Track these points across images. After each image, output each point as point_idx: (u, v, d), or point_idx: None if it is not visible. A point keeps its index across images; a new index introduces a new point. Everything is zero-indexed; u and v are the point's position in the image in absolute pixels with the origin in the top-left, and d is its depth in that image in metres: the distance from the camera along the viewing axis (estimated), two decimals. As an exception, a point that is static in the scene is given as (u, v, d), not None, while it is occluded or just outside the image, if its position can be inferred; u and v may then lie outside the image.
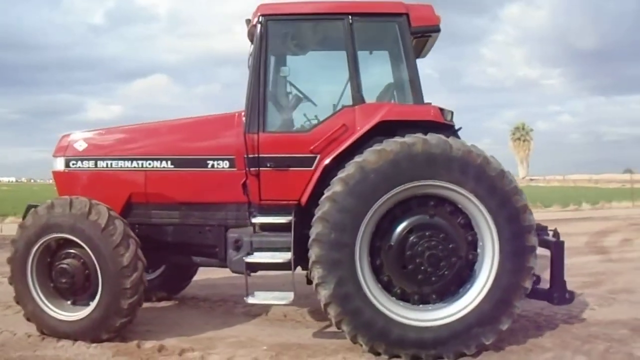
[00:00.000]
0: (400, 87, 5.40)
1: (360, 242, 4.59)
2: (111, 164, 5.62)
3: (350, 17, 5.09)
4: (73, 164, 5.68)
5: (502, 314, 4.56)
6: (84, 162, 5.66)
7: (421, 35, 5.26)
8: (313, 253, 4.61)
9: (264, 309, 6.41)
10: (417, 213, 4.75)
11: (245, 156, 5.13)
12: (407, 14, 5.09)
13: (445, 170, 4.54)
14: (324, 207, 4.60)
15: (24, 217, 5.66)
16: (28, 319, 5.13)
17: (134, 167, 5.58)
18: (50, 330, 5.04)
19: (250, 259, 4.91)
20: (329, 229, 4.56)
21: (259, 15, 5.14)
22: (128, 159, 5.60)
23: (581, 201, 24.25)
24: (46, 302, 5.07)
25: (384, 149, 4.57)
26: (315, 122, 5.29)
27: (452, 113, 5.01)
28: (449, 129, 4.97)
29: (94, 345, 4.90)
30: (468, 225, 4.79)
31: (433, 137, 4.59)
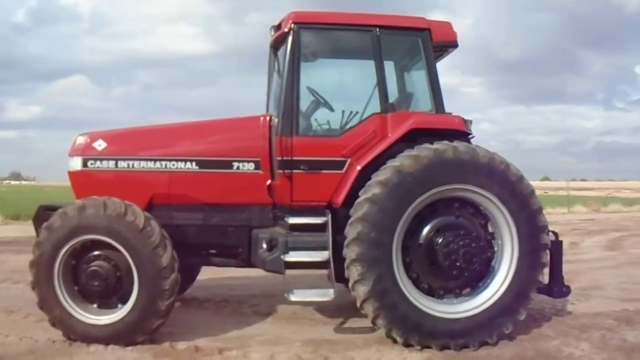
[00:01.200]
0: (420, 96, 5.75)
1: (397, 241, 4.91)
2: (133, 164, 5.54)
3: (377, 29, 5.41)
4: (91, 164, 5.54)
5: (520, 305, 5.04)
6: (103, 162, 5.54)
7: (440, 49, 5.66)
8: (352, 251, 4.85)
9: (271, 307, 6.56)
10: (443, 214, 5.13)
11: (279, 159, 5.29)
12: (429, 29, 5.48)
13: (473, 175, 4.96)
14: (363, 208, 4.86)
15: (35, 219, 5.47)
16: (53, 325, 4.94)
17: (157, 167, 5.55)
18: (79, 335, 4.90)
19: (289, 258, 5.06)
20: (369, 228, 4.83)
21: (292, 23, 5.32)
22: (151, 160, 5.55)
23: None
24: (74, 306, 4.93)
25: (419, 155, 4.91)
26: (345, 127, 5.53)
27: (471, 122, 5.46)
28: (464, 137, 5.41)
29: (129, 348, 4.84)
30: (485, 226, 5.26)
31: (461, 145, 5.00)
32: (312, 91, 5.71)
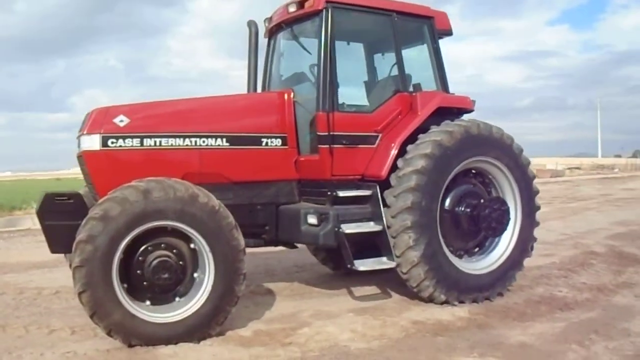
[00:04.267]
0: (424, 77, 6.27)
1: (438, 208, 5.44)
2: (160, 141, 4.90)
3: (395, 14, 5.78)
4: (112, 143, 4.71)
5: (523, 258, 6.02)
6: (127, 140, 4.77)
7: (438, 36, 6.29)
8: (406, 219, 5.20)
9: (275, 286, 6.49)
10: (463, 183, 5.82)
11: (320, 134, 5.30)
12: (434, 17, 6.07)
13: (490, 148, 5.73)
14: (412, 179, 5.23)
15: (41, 210, 4.49)
16: (109, 333, 4.15)
17: (187, 145, 5.01)
18: (145, 338, 4.22)
19: (349, 230, 5.14)
20: (420, 197, 5.24)
21: (326, 2, 5.38)
22: (180, 136, 4.98)
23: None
24: (135, 306, 4.23)
25: (454, 130, 5.49)
26: (375, 104, 5.77)
27: (474, 102, 6.24)
28: (460, 114, 6.16)
29: (207, 343, 4.38)
30: (489, 193, 6.07)
31: (480, 122, 5.74)
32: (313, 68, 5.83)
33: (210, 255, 4.38)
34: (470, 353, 4.19)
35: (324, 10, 5.38)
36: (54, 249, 4.78)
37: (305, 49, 5.89)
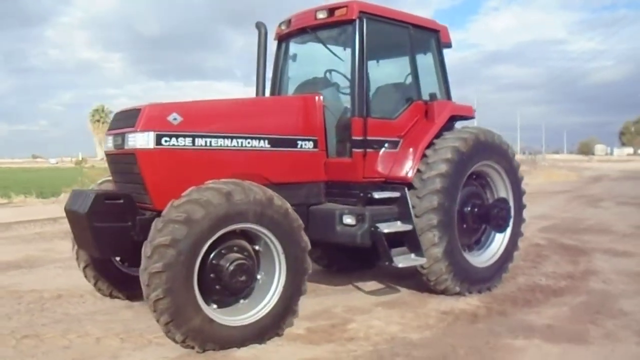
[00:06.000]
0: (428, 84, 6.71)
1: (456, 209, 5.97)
2: (210, 142, 4.83)
3: (411, 27, 6.21)
4: (166, 141, 4.56)
5: (514, 251, 6.77)
6: (179, 139, 4.64)
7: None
8: (433, 219, 5.65)
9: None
10: (467, 185, 6.39)
11: (355, 138, 5.57)
12: (439, 31, 6.59)
13: (493, 153, 6.36)
14: (436, 183, 5.69)
15: (90, 213, 4.30)
16: (184, 340, 4.06)
17: (234, 146, 5.01)
18: (221, 342, 4.20)
19: (387, 229, 5.45)
20: (443, 199, 5.72)
21: (359, 12, 5.64)
22: (228, 137, 4.96)
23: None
24: (212, 310, 4.20)
25: (467, 138, 6.03)
26: (396, 111, 6.11)
27: (474, 110, 6.84)
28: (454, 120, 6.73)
29: (277, 343, 4.47)
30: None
31: (485, 130, 6.36)
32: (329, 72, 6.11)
33: (282, 256, 4.47)
34: (517, 336, 4.73)
35: (358, 19, 5.63)
36: (102, 253, 4.55)
37: (336, 55, 6.08)
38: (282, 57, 6.63)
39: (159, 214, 4.62)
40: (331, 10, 5.80)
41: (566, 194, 19.90)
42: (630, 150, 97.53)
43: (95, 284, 5.59)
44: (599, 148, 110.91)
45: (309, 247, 4.64)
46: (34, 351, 4.30)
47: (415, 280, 6.22)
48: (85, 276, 5.59)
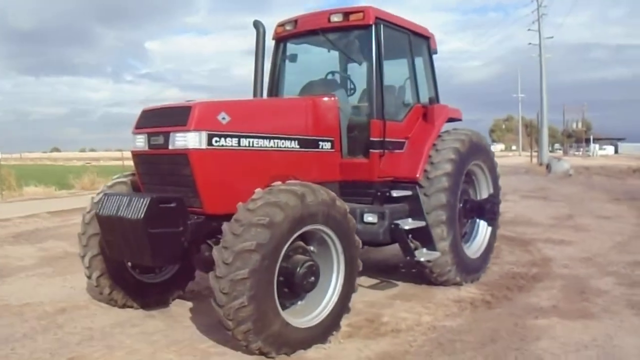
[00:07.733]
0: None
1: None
2: (252, 142, 4.78)
3: (411, 33, 6.57)
4: (216, 142, 4.43)
5: (494, 241, 7.42)
6: (227, 139, 4.54)
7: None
8: (442, 215, 6.06)
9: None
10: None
11: (374, 139, 5.79)
12: (430, 37, 7.03)
13: (481, 153, 6.93)
14: (443, 181, 6.10)
15: (147, 218, 4.12)
16: (260, 348, 3.98)
17: (271, 146, 5.01)
18: (295, 345, 4.18)
19: (407, 226, 5.74)
20: (449, 196, 6.15)
21: (376, 18, 5.87)
22: (267, 137, 4.94)
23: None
24: (287, 313, 4.16)
25: (464, 139, 6.52)
26: (402, 114, 6.41)
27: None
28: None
29: (337, 341, 4.52)
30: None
31: (474, 131, 6.91)
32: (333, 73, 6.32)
33: (342, 256, 4.56)
34: (536, 317, 5.25)
35: (374, 25, 5.85)
36: (156, 261, 4.31)
37: (352, 59, 6.22)
38: (278, 57, 6.62)
39: (208, 218, 4.49)
40: (346, 15, 5.94)
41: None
42: (501, 146, 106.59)
43: (109, 294, 5.20)
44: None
45: (360, 246, 4.76)
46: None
47: (401, 273, 6.73)
48: (98, 286, 5.18)
